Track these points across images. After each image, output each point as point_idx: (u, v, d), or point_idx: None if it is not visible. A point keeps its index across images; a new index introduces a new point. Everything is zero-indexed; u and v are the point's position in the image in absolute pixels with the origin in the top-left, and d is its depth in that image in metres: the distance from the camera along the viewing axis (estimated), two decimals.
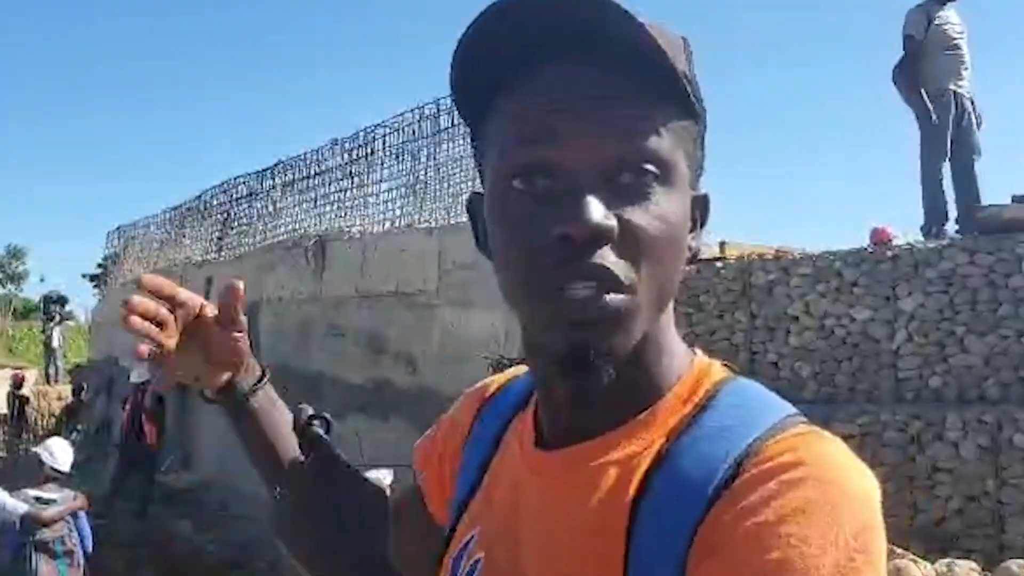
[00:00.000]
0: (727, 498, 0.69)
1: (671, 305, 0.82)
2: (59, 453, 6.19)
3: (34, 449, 6.33)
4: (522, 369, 0.99)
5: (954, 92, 6.85)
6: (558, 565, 0.78)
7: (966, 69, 6.97)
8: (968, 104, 6.94)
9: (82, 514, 6.15)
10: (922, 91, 6.83)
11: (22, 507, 5.83)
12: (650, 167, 0.74)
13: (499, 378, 1.03)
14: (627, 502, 0.75)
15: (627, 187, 0.73)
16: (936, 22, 6.90)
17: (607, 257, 0.72)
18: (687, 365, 0.83)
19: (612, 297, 0.72)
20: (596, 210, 0.71)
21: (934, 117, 6.75)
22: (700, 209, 0.83)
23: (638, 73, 0.73)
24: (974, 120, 6.97)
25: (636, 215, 0.73)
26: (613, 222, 0.71)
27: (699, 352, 0.86)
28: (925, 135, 6.87)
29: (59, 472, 6.12)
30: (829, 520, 0.66)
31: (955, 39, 6.92)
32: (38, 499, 5.94)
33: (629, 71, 0.73)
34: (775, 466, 0.69)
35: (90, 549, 6.14)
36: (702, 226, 0.84)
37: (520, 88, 0.76)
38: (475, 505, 0.92)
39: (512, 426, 0.93)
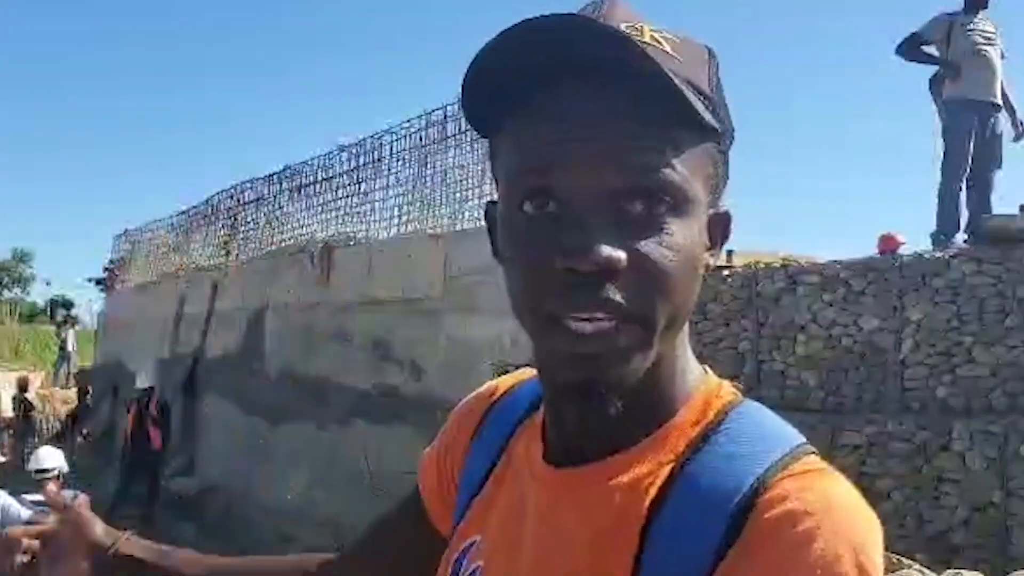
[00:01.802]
0: (743, 549, 0.69)
1: (686, 326, 0.81)
2: (44, 456, 6.35)
3: (29, 467, 6.46)
4: (529, 372, 0.98)
5: (978, 102, 6.80)
6: None
7: (995, 78, 6.90)
8: (995, 115, 6.90)
9: None
10: (942, 102, 6.83)
11: (26, 512, 5.90)
12: (662, 196, 0.72)
13: (506, 380, 1.01)
14: (637, 526, 0.75)
15: (638, 216, 0.72)
16: (963, 30, 6.84)
17: (614, 290, 0.71)
18: (697, 385, 0.83)
19: (618, 332, 0.71)
20: (604, 243, 0.70)
21: (953, 127, 6.75)
22: (720, 227, 0.81)
23: (649, 98, 0.71)
24: (1000, 130, 6.93)
25: (648, 246, 0.72)
26: (621, 254, 0.70)
27: (709, 371, 0.85)
28: (947, 146, 6.85)
29: (50, 469, 6.23)
30: (841, 566, 0.67)
31: (982, 48, 6.85)
32: (35, 503, 6.03)
33: (640, 95, 0.71)
34: (786, 516, 0.69)
35: None
36: (723, 243, 0.82)
37: (530, 113, 0.75)
38: (479, 509, 0.91)
39: (519, 432, 0.92)
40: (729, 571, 0.69)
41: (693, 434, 0.78)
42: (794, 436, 0.77)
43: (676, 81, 0.70)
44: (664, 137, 0.72)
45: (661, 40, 0.74)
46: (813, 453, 0.75)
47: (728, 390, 0.83)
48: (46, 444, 7.03)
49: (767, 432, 0.77)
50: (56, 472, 6.32)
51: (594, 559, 0.76)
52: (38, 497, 6.13)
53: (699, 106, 0.72)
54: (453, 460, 0.99)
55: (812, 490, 0.70)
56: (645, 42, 0.73)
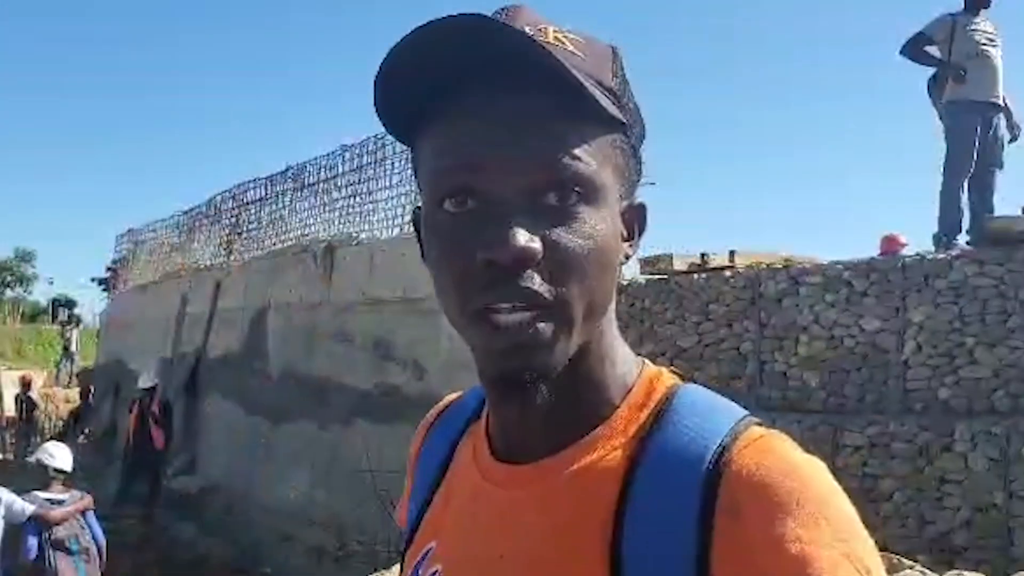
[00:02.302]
0: (729, 515, 0.71)
1: (611, 314, 0.84)
2: (58, 454, 6.32)
3: (35, 456, 6.44)
4: (458, 393, 1.03)
5: (980, 103, 6.79)
6: (539, 568, 0.78)
7: (997, 79, 6.90)
8: (996, 115, 6.89)
9: (91, 514, 6.27)
10: (944, 102, 6.82)
11: (29, 507, 5.94)
12: (573, 186, 0.75)
13: (448, 398, 1.05)
14: (608, 512, 0.76)
15: (552, 208, 0.75)
16: (964, 31, 6.83)
17: (533, 280, 0.73)
18: (635, 372, 0.85)
19: (538, 321, 0.74)
20: (520, 234, 0.72)
21: (957, 128, 6.74)
22: (636, 218, 0.85)
23: (555, 94, 0.74)
24: (1001, 132, 6.92)
25: (562, 235, 0.74)
26: (537, 245, 0.73)
27: (646, 360, 0.88)
28: (949, 148, 6.84)
29: (62, 472, 6.24)
30: (828, 516, 0.70)
31: (984, 48, 6.84)
32: (49, 501, 6.06)
33: (546, 93, 0.74)
34: (760, 478, 0.72)
35: (103, 546, 6.28)
36: (640, 234, 0.85)
37: (442, 114, 0.78)
38: (432, 516, 0.93)
39: (465, 437, 0.95)
40: (724, 537, 0.71)
41: (643, 417, 0.81)
42: (738, 408, 0.81)
43: (577, 75, 0.73)
44: (571, 130, 0.76)
45: (564, 40, 0.77)
46: (758, 422, 0.79)
47: (669, 375, 0.86)
48: (47, 443, 6.99)
49: (714, 407, 0.81)
50: (67, 472, 6.34)
51: (562, 551, 0.77)
52: (51, 494, 6.15)
53: (601, 98, 0.76)
54: (408, 492, 1.02)
55: (772, 452, 0.74)
56: (548, 42, 0.76)
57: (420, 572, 0.89)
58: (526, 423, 0.82)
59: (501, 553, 0.81)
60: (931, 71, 7.05)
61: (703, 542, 0.71)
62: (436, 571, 0.87)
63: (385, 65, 0.76)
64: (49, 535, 5.92)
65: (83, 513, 6.23)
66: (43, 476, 6.20)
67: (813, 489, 0.72)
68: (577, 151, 0.75)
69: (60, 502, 6.10)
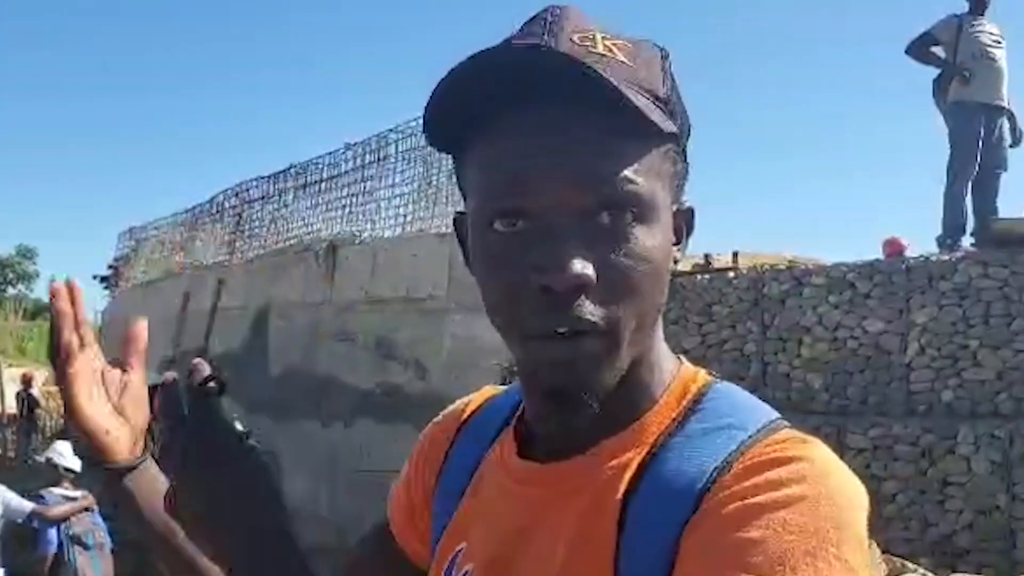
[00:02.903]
0: (718, 486, 0.72)
1: (659, 321, 0.83)
2: (68, 453, 6.38)
3: (45, 455, 6.47)
4: (492, 389, 1.03)
5: (985, 105, 6.78)
6: (552, 573, 0.79)
7: (1001, 81, 6.88)
8: (1000, 118, 6.88)
9: (97, 510, 6.33)
10: (948, 104, 6.82)
11: (28, 505, 5.99)
12: (627, 206, 0.75)
13: (475, 399, 1.04)
14: (615, 505, 0.77)
15: (605, 228, 0.74)
16: (969, 32, 6.82)
17: (584, 307, 0.73)
18: (674, 374, 0.85)
19: (591, 343, 0.74)
20: (576, 262, 0.72)
21: (961, 130, 6.74)
22: (684, 222, 0.84)
23: (606, 112, 0.73)
24: (1006, 134, 6.91)
25: (616, 259, 0.74)
26: (591, 271, 0.73)
27: (684, 360, 0.88)
28: (952, 149, 6.84)
29: (71, 471, 6.30)
30: (813, 513, 0.67)
31: (990, 50, 6.83)
32: (65, 497, 6.18)
33: (596, 111, 0.74)
34: (768, 460, 0.72)
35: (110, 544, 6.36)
36: (688, 237, 0.85)
37: (493, 133, 0.77)
38: (461, 519, 0.93)
39: (496, 443, 0.94)
40: (708, 501, 0.71)
41: (671, 416, 0.81)
42: (771, 411, 0.80)
43: (629, 94, 0.72)
44: (625, 149, 0.75)
45: (614, 48, 0.76)
46: (787, 426, 0.78)
47: (704, 375, 0.86)
48: (56, 442, 7.03)
49: (746, 408, 0.80)
50: (77, 472, 6.38)
51: (582, 544, 0.78)
52: (63, 491, 6.20)
53: (655, 115, 0.75)
54: (424, 488, 1.00)
55: (799, 449, 0.72)
56: (599, 53, 0.75)
57: (452, 573, 0.89)
58: (570, 429, 0.81)
59: (527, 552, 0.82)
60: (936, 72, 7.04)
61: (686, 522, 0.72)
62: (468, 571, 0.87)
63: (436, 94, 0.77)
64: (68, 530, 6.01)
65: (88, 510, 6.28)
66: (53, 474, 6.26)
67: (823, 487, 0.69)
68: (630, 170, 0.75)
69: (74, 498, 6.20)
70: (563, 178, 0.74)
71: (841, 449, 5.42)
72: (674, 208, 0.81)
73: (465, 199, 0.83)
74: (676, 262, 0.83)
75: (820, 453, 0.73)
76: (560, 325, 0.73)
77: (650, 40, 0.82)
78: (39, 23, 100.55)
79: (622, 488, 0.77)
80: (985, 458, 5.03)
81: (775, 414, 0.80)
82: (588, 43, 0.76)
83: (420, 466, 1.02)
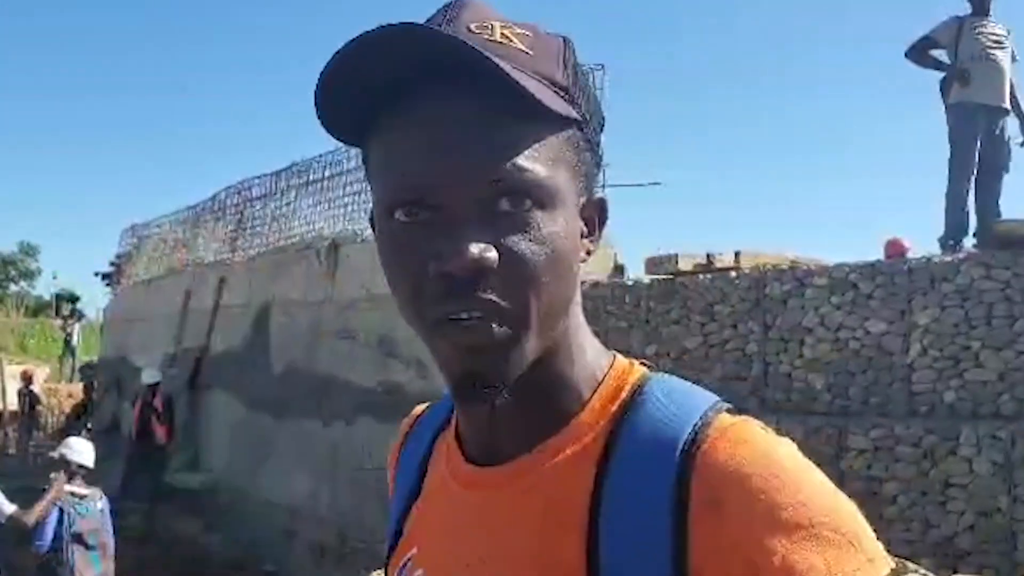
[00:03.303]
0: (710, 511, 0.72)
1: (577, 313, 0.84)
2: (83, 450, 6.33)
3: (59, 451, 6.39)
4: (430, 402, 1.05)
5: (985, 106, 6.78)
6: (514, 571, 0.79)
7: (1004, 82, 6.87)
8: (1003, 119, 6.87)
9: (106, 508, 6.29)
10: (947, 104, 6.83)
11: (9, 507, 5.96)
12: (525, 192, 0.74)
13: (417, 409, 1.06)
14: (582, 503, 0.76)
15: (505, 215, 0.74)
16: (970, 33, 6.82)
17: (487, 290, 0.73)
18: (605, 367, 0.85)
19: (496, 327, 0.74)
20: (474, 245, 0.72)
21: (960, 130, 6.75)
22: (596, 213, 0.84)
23: (500, 98, 0.73)
24: (1009, 135, 6.91)
25: (516, 243, 0.74)
26: (492, 254, 0.72)
27: (616, 354, 0.88)
28: (952, 150, 6.85)
29: (84, 467, 6.25)
30: (796, 507, 0.70)
31: (991, 51, 6.82)
32: (73, 494, 6.09)
33: (491, 98, 0.73)
34: (738, 473, 0.72)
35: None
36: (601, 228, 0.85)
37: (389, 122, 0.77)
38: (412, 522, 0.94)
39: (437, 444, 0.96)
40: (705, 529, 0.71)
41: (614, 409, 0.81)
42: (709, 395, 0.81)
43: (518, 77, 0.72)
44: (520, 134, 0.74)
45: (512, 37, 0.76)
46: (729, 408, 0.79)
47: (639, 367, 0.86)
48: (70, 438, 6.99)
49: (685, 393, 0.81)
50: (90, 468, 6.34)
51: (540, 550, 0.77)
52: (75, 488, 6.14)
53: (548, 98, 0.75)
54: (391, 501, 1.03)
55: (747, 441, 0.74)
56: (496, 40, 0.75)
57: None
58: (494, 425, 0.83)
59: (481, 556, 0.82)
60: (943, 73, 7.05)
61: (680, 532, 0.72)
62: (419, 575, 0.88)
63: (323, 76, 0.76)
64: (70, 528, 5.96)
65: (101, 509, 6.22)
66: (65, 469, 6.19)
67: (789, 474, 0.72)
68: (527, 156, 0.74)
69: (84, 496, 6.12)
70: (458, 167, 0.73)
71: (842, 450, 5.42)
72: (583, 199, 0.81)
73: (372, 194, 0.83)
74: (589, 253, 0.83)
75: (766, 436, 0.76)
76: (460, 310, 0.73)
77: (555, 31, 0.81)
78: (40, 21, 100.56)
79: (583, 486, 0.77)
80: (987, 459, 5.03)
81: (713, 397, 0.80)
82: (485, 31, 0.76)
83: (391, 484, 1.04)
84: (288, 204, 12.50)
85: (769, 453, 0.73)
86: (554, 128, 0.76)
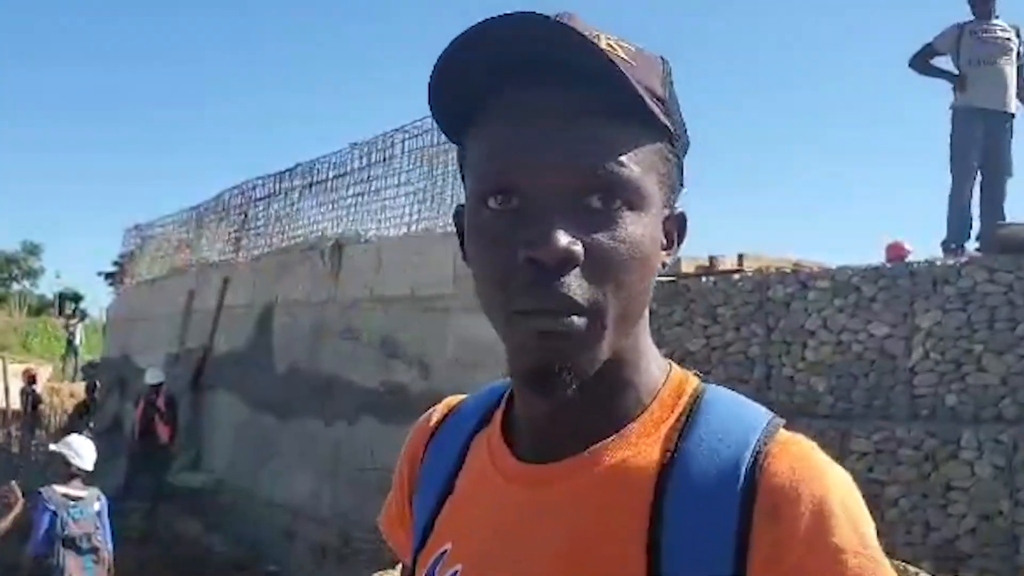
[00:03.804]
0: (768, 521, 0.75)
1: (645, 318, 0.85)
2: (83, 451, 6.23)
3: (55, 448, 6.34)
4: (460, 396, 1.05)
5: (985, 111, 6.78)
6: (570, 574, 0.79)
7: (1006, 86, 6.87)
8: (1006, 123, 6.87)
9: (105, 514, 6.20)
10: (950, 109, 6.84)
11: None
12: (618, 192, 0.76)
13: (442, 406, 1.06)
14: (641, 511, 0.78)
15: (595, 211, 0.76)
16: (971, 39, 6.82)
17: (572, 282, 0.74)
18: (664, 374, 0.87)
19: (576, 319, 0.75)
20: (563, 235, 0.74)
21: (960, 135, 6.76)
22: (676, 228, 0.86)
23: (606, 96, 0.76)
24: (1011, 139, 6.91)
25: (603, 240, 0.76)
26: (579, 247, 0.74)
27: (672, 362, 0.90)
28: (952, 154, 6.86)
29: (83, 471, 6.16)
30: (845, 525, 0.74)
31: (993, 55, 6.82)
32: (67, 496, 5.99)
33: (597, 94, 0.76)
34: (795, 488, 0.75)
35: (110, 550, 6.19)
36: (679, 243, 0.87)
37: (492, 111, 0.79)
38: (446, 518, 0.93)
39: (476, 443, 0.95)
40: (763, 538, 0.74)
41: (674, 416, 0.83)
42: (762, 408, 0.84)
43: (632, 81, 0.74)
44: (620, 135, 0.77)
45: (616, 47, 0.78)
46: (782, 423, 0.82)
47: (693, 377, 0.88)
48: (71, 436, 6.91)
49: (744, 409, 0.83)
50: (88, 471, 6.28)
51: (598, 546, 0.78)
52: (69, 490, 6.06)
53: (652, 105, 0.77)
54: (406, 497, 1.02)
55: (804, 458, 0.78)
56: (602, 47, 0.76)
57: (436, 573, 0.89)
58: (556, 422, 0.83)
59: (529, 552, 0.82)
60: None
61: (741, 541, 0.74)
62: (456, 571, 0.87)
63: (442, 58, 0.78)
64: (62, 532, 5.88)
65: (99, 512, 6.16)
66: (63, 470, 6.12)
67: (840, 496, 0.76)
68: (624, 156, 0.76)
69: (79, 498, 6.03)
70: (557, 158, 0.75)
71: (844, 453, 5.42)
72: (666, 212, 0.83)
73: (466, 189, 0.84)
74: (664, 265, 0.85)
75: (822, 462, 0.79)
76: (546, 302, 0.74)
77: (653, 51, 0.84)
78: (42, 23, 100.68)
79: (647, 490, 0.79)
80: (988, 463, 5.03)
81: (768, 412, 0.83)
82: (594, 38, 0.77)
83: (403, 474, 1.04)
84: (292, 204, 12.51)
85: (823, 473, 0.77)
86: (649, 136, 0.79)
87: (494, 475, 0.89)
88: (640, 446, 0.81)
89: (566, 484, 0.82)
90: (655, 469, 0.79)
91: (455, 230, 0.90)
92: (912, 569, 4.10)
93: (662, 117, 0.79)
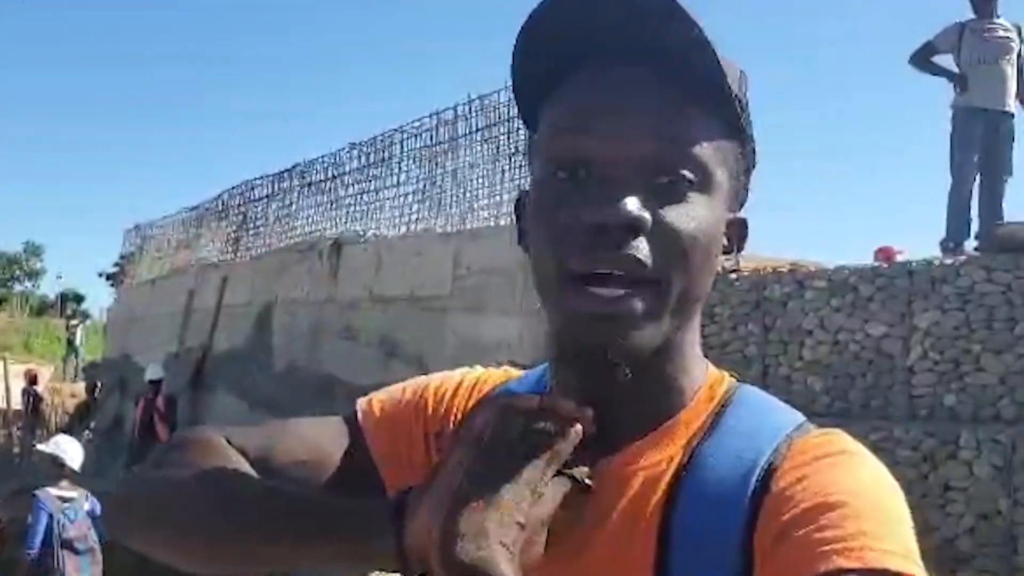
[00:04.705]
0: (776, 490, 0.72)
1: (698, 317, 0.83)
2: (72, 451, 6.21)
3: (44, 448, 6.31)
4: (513, 374, 0.98)
5: (985, 110, 6.78)
6: (587, 572, 0.78)
7: (1007, 86, 6.86)
8: (1007, 122, 6.87)
9: (95, 508, 6.18)
10: (950, 108, 6.84)
11: None
12: (688, 173, 0.75)
13: (493, 376, 0.99)
14: (657, 505, 0.76)
15: (664, 188, 0.74)
16: (972, 37, 6.81)
17: (639, 248, 0.72)
18: (704, 376, 0.85)
19: (635, 298, 0.73)
20: (631, 202, 0.72)
21: (960, 134, 6.76)
22: (737, 232, 0.84)
23: (690, 82, 0.75)
24: (1012, 138, 6.90)
25: (671, 215, 0.74)
26: (647, 215, 0.72)
27: (709, 363, 0.88)
28: (952, 154, 6.86)
29: (73, 471, 6.14)
30: (881, 502, 0.71)
31: (993, 55, 6.81)
32: (61, 498, 5.97)
33: (681, 78, 0.74)
34: (817, 452, 0.74)
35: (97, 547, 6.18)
36: (738, 250, 0.85)
37: (573, 84, 0.77)
38: None
39: None
40: (763, 543, 0.71)
41: (700, 421, 0.81)
42: (795, 412, 0.83)
43: (722, 74, 0.74)
44: (699, 119, 0.76)
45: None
46: (814, 425, 0.81)
47: (729, 378, 0.86)
48: (58, 436, 6.89)
49: (775, 409, 0.83)
50: (76, 471, 6.24)
51: (620, 544, 0.77)
52: (60, 491, 6.04)
53: (735, 100, 0.77)
54: (424, 427, 0.94)
55: (839, 441, 0.76)
56: None
57: None
58: (601, 410, 0.77)
59: (562, 549, 0.77)
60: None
61: (746, 550, 0.72)
62: None
63: (524, 30, 0.76)
64: (60, 534, 5.87)
65: (92, 511, 6.14)
66: (53, 471, 6.10)
67: (853, 485, 0.71)
68: (698, 140, 0.75)
69: (72, 499, 6.01)
70: (631, 132, 0.74)
71: None
72: (730, 215, 0.81)
73: (532, 166, 0.83)
74: (724, 270, 0.82)
75: (856, 444, 0.77)
76: (608, 264, 0.72)
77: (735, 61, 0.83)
78: (49, 22, 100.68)
79: (661, 488, 0.77)
80: (987, 463, 5.02)
81: (801, 415, 0.82)
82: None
83: (432, 405, 0.95)
84: (290, 204, 12.53)
85: (849, 478, 0.72)
86: (726, 131, 0.78)
87: None
88: (667, 450, 0.79)
89: (598, 486, 0.78)
90: (672, 476, 0.77)
91: (514, 218, 0.87)
92: None
93: (740, 113, 0.78)
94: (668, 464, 0.78)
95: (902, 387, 5.65)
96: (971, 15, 6.96)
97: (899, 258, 6.20)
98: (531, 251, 0.79)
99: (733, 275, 6.59)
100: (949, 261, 5.83)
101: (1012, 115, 6.89)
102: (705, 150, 0.75)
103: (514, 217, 0.87)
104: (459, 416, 0.94)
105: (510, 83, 0.80)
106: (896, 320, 5.71)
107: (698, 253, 0.75)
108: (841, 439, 0.77)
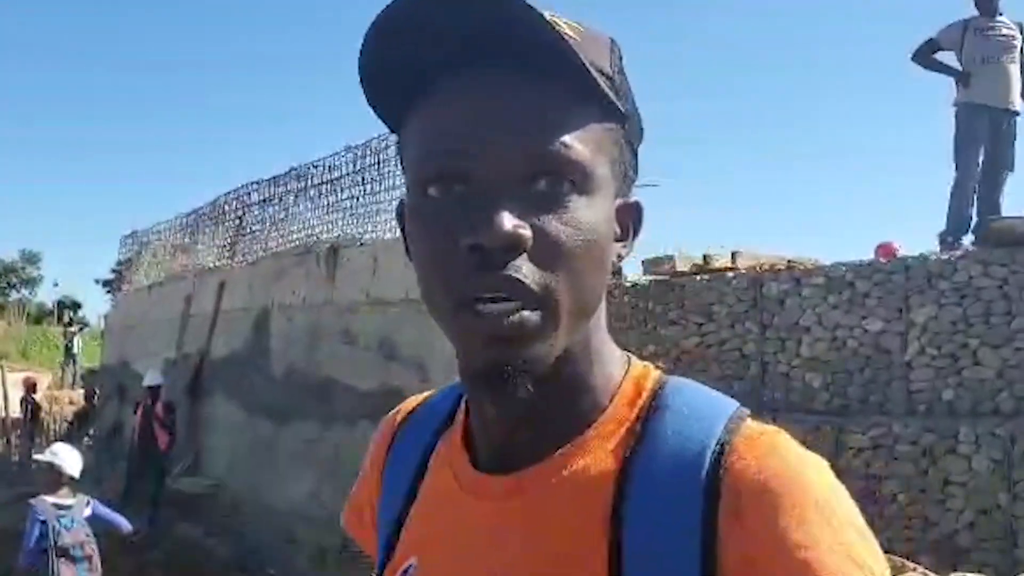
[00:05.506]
0: (733, 520, 0.69)
1: (601, 312, 0.80)
2: (70, 459, 6.19)
3: (41, 457, 6.29)
4: (430, 392, 0.98)
5: (988, 107, 6.80)
6: None
7: (1010, 83, 6.87)
8: (1009, 119, 6.89)
9: (99, 509, 6.17)
10: (953, 105, 6.87)
11: None
12: (566, 174, 0.71)
13: (408, 403, 0.99)
14: (604, 513, 0.73)
15: (543, 195, 0.71)
16: (975, 35, 6.83)
17: (520, 268, 0.69)
18: (623, 370, 0.82)
19: (526, 313, 0.70)
20: (508, 219, 0.68)
21: (963, 131, 6.79)
22: (631, 217, 0.81)
23: (552, 76, 0.71)
24: (1013, 135, 6.93)
25: (552, 224, 0.71)
26: (527, 231, 0.69)
27: (631, 356, 0.85)
28: (956, 150, 6.89)
29: (72, 479, 6.12)
30: (820, 524, 0.68)
31: (996, 52, 6.83)
32: (56, 506, 5.95)
33: (543, 74, 0.71)
34: (762, 486, 0.70)
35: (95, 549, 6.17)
36: (635, 235, 0.82)
37: (434, 94, 0.74)
38: (410, 530, 0.88)
39: (437, 449, 0.89)
40: (729, 540, 0.69)
41: (632, 416, 0.78)
42: (728, 400, 0.78)
43: (579, 54, 0.69)
44: (568, 115, 0.72)
45: (560, 23, 0.72)
46: (750, 414, 0.77)
47: (655, 371, 0.83)
48: (55, 444, 6.87)
49: (706, 400, 0.78)
50: (75, 478, 6.22)
51: (560, 558, 0.74)
52: (58, 499, 6.01)
53: (603, 84, 0.72)
54: (371, 496, 0.97)
55: (773, 452, 0.72)
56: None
57: None
58: (510, 426, 0.78)
59: (493, 567, 0.77)
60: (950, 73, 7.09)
61: (707, 542, 0.69)
62: None
63: (373, 30, 0.73)
64: (55, 542, 5.85)
65: (93, 514, 6.13)
66: (52, 479, 6.08)
67: (814, 491, 0.70)
68: (572, 137, 0.71)
69: (69, 507, 5.99)
70: (500, 139, 0.70)
71: (841, 449, 5.42)
72: (619, 201, 0.78)
73: (406, 177, 0.78)
74: (620, 258, 0.80)
75: (790, 445, 0.74)
76: (491, 288, 0.69)
77: (602, 31, 0.78)
78: (47, 25, 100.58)
79: (606, 495, 0.74)
80: (986, 457, 5.03)
81: (733, 403, 0.78)
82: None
83: (369, 467, 0.99)
84: (287, 209, 12.51)
85: (795, 468, 0.71)
86: (598, 116, 0.74)
87: (455, 485, 0.84)
88: (600, 451, 0.76)
89: (524, 498, 0.78)
90: (614, 474, 0.74)
91: (398, 229, 0.83)
92: (911, 564, 4.11)
93: (611, 95, 0.74)
94: (605, 465, 0.75)
95: (900, 383, 5.66)
96: (973, 13, 6.98)
97: (899, 253, 6.22)
98: (417, 272, 0.76)
99: (730, 273, 6.61)
100: (945, 256, 5.85)
101: (1017, 113, 6.91)
102: (581, 147, 0.71)
103: (398, 229, 0.84)
104: (382, 463, 0.96)
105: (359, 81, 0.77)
106: (893, 316, 5.73)
107: (583, 260, 0.72)
108: (777, 454, 0.73)
